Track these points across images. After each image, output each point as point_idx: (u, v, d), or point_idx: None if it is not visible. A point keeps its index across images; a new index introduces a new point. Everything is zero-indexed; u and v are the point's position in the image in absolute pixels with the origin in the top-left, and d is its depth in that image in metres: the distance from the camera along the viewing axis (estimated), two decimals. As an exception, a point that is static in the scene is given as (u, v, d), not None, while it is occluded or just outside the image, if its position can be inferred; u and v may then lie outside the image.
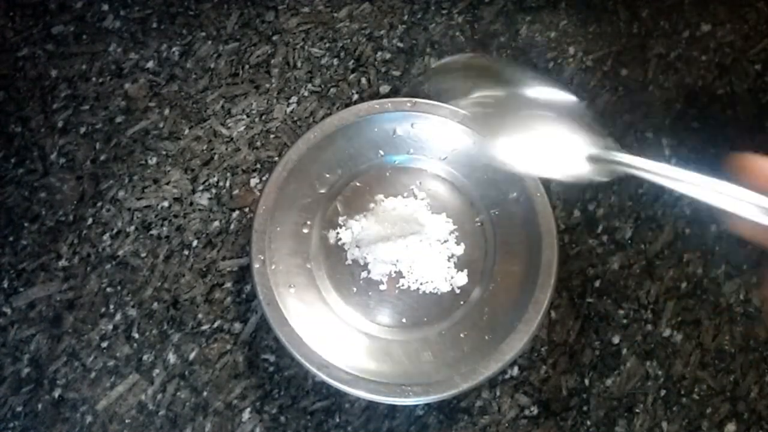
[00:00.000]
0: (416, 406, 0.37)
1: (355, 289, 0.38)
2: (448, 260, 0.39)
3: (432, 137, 0.41)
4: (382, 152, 0.41)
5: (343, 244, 0.39)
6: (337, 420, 0.37)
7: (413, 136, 0.41)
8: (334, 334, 0.36)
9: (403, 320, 0.38)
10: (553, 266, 0.35)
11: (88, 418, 0.36)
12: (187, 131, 0.44)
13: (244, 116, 0.45)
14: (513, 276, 0.37)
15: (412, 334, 0.37)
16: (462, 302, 0.38)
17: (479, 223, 0.40)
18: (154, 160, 0.43)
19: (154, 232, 0.41)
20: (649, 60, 0.47)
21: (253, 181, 0.43)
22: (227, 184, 0.43)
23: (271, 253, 0.36)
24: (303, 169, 0.38)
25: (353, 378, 0.33)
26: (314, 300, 0.37)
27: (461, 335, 0.36)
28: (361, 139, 0.40)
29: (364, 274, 0.38)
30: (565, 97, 0.29)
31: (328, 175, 0.40)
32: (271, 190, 0.37)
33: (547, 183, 0.38)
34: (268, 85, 0.46)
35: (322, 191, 0.40)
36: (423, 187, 0.41)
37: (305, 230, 0.39)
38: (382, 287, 0.38)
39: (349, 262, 0.39)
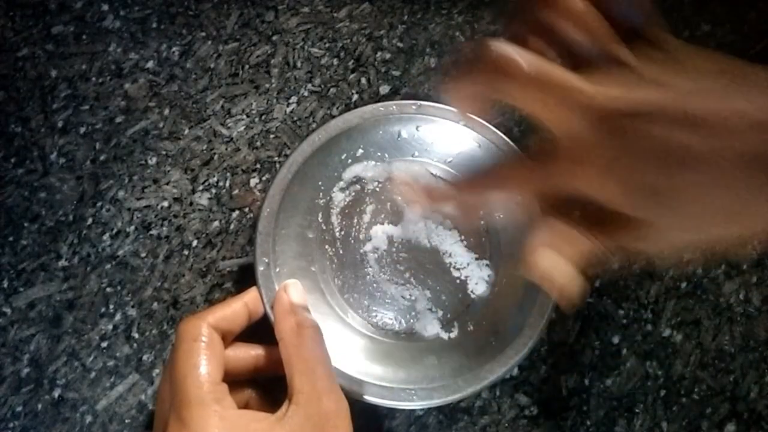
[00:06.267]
0: (416, 406, 0.37)
1: (359, 292, 0.38)
2: (453, 264, 0.39)
3: (436, 140, 0.40)
4: (386, 155, 0.41)
5: (348, 247, 0.39)
6: (337, 420, 0.37)
7: (418, 139, 0.41)
8: (337, 337, 0.36)
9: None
10: None
11: (88, 418, 0.36)
12: (187, 131, 0.44)
13: (244, 116, 0.45)
14: (517, 279, 0.37)
15: (417, 337, 0.37)
16: (467, 306, 0.38)
17: (484, 227, 0.40)
18: (154, 160, 0.43)
19: (154, 232, 0.41)
20: (649, 60, 0.47)
21: (253, 181, 0.43)
22: (227, 184, 0.43)
23: (275, 256, 0.35)
24: (307, 171, 0.38)
25: (357, 381, 0.33)
26: (318, 303, 0.37)
27: (466, 339, 0.36)
28: (365, 142, 0.40)
29: (368, 277, 0.38)
30: None
31: (332, 178, 0.40)
32: (275, 193, 0.37)
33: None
34: (268, 85, 0.46)
35: (327, 194, 0.40)
36: None
37: (310, 234, 0.39)
38: (387, 290, 0.38)
39: (354, 265, 0.39)
